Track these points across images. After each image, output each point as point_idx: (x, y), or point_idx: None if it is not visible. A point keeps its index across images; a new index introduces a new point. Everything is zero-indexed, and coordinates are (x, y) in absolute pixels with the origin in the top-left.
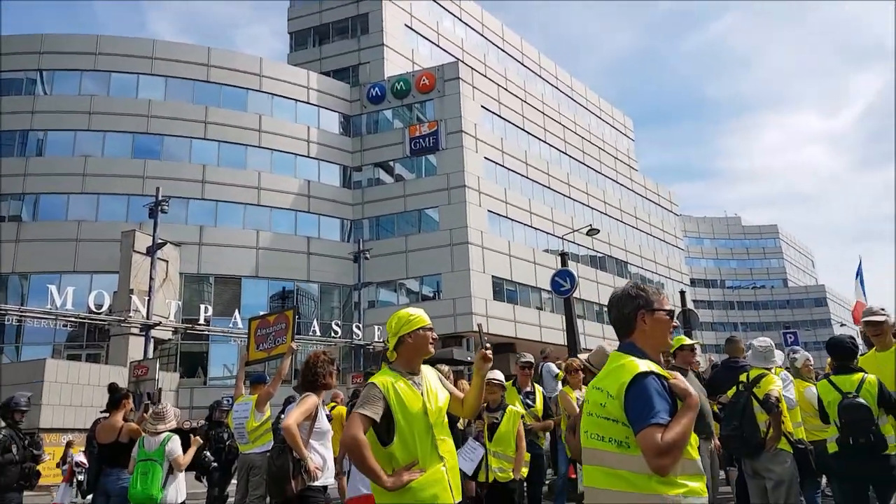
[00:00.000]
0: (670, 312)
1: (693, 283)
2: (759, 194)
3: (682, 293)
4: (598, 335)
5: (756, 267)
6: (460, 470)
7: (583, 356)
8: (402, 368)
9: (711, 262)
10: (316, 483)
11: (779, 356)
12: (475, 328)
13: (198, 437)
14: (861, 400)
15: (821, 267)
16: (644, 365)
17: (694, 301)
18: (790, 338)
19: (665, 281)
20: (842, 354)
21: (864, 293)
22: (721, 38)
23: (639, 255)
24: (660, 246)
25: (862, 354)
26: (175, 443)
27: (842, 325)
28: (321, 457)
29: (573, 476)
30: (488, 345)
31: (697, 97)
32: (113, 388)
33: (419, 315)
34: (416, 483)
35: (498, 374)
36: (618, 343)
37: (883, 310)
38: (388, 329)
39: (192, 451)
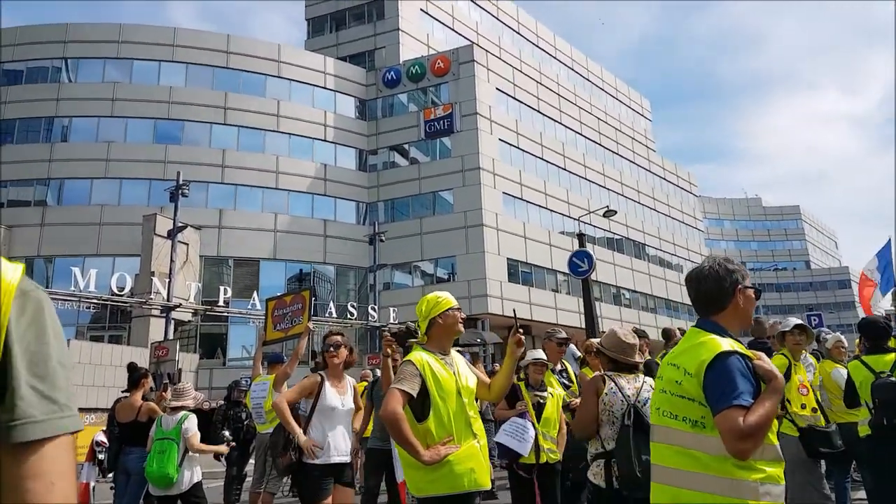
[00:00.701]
0: (758, 291)
1: None
2: (776, 174)
3: None
4: (615, 318)
5: (777, 249)
6: (510, 450)
7: (595, 340)
8: (435, 349)
9: (732, 243)
10: (315, 461)
11: None
12: (510, 313)
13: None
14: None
15: (844, 249)
16: (726, 343)
17: None
18: (814, 320)
19: (684, 263)
20: (875, 335)
21: (893, 277)
22: (734, 19)
23: (657, 237)
24: (679, 227)
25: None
26: (191, 421)
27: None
28: (323, 434)
29: None
30: (521, 329)
31: (713, 78)
32: (132, 368)
33: (446, 297)
34: (453, 457)
35: (540, 354)
36: (631, 326)
37: None
38: (417, 313)
39: (207, 447)
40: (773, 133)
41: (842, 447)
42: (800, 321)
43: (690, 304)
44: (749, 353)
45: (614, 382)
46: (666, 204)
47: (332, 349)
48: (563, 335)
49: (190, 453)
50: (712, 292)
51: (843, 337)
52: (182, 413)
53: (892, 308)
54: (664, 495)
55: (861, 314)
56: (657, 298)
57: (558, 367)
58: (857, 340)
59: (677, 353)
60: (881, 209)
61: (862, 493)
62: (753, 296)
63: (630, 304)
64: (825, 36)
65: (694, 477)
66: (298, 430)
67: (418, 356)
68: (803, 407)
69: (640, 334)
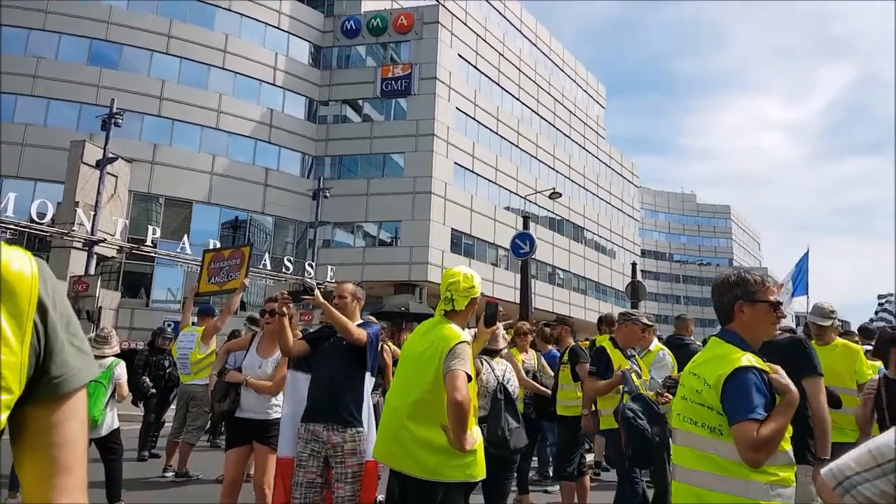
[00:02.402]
0: (774, 304)
1: (643, 253)
2: (714, 172)
3: (634, 265)
4: (548, 296)
5: (705, 244)
6: None
7: (526, 324)
8: (462, 327)
9: (663, 235)
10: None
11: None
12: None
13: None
14: None
15: (765, 250)
16: (745, 359)
17: (642, 271)
18: None
19: (618, 250)
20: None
21: (806, 285)
22: (699, 13)
23: (595, 223)
24: (617, 215)
25: None
26: (122, 368)
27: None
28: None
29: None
30: (500, 324)
31: (668, 71)
32: None
33: (479, 283)
34: (478, 444)
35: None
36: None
37: (833, 312)
38: (455, 284)
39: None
40: (718, 132)
41: None
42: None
43: (619, 288)
44: (766, 367)
45: (488, 364)
46: (608, 191)
47: (267, 315)
48: (646, 320)
49: (113, 399)
50: (716, 305)
51: None
52: (112, 359)
53: (803, 312)
54: (687, 494)
55: None
56: (589, 281)
57: (629, 351)
58: None
59: (699, 363)
60: (804, 217)
61: None
62: (767, 309)
63: (563, 285)
64: (782, 43)
65: (711, 478)
66: (240, 376)
67: (468, 336)
68: None
69: (564, 322)
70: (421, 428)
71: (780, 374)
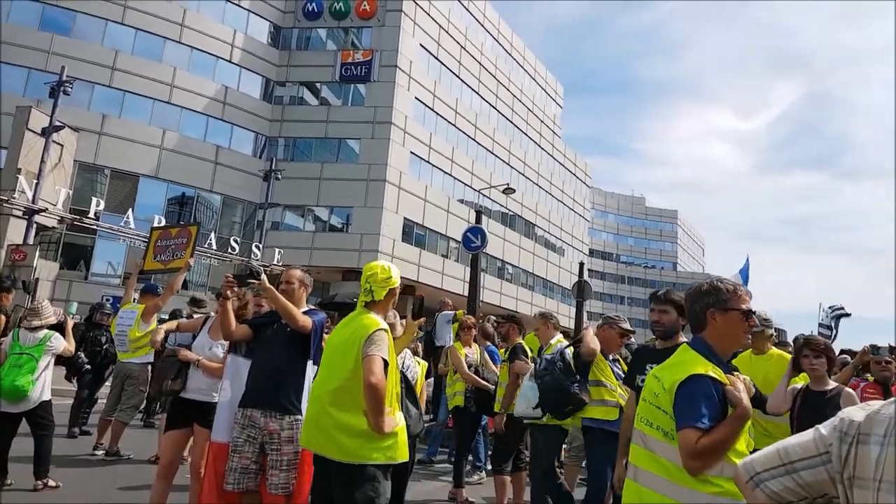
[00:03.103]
0: (746, 313)
1: (591, 253)
2: (664, 179)
3: (581, 264)
4: (496, 290)
5: (651, 247)
6: None
7: (471, 318)
8: (382, 315)
9: (611, 235)
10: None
11: None
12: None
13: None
14: None
15: (709, 256)
16: (703, 367)
17: (590, 270)
18: None
19: (567, 248)
20: None
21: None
22: (661, 20)
23: (547, 220)
24: (568, 214)
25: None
26: (58, 339)
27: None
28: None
29: (451, 426)
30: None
31: (627, 76)
32: None
33: (398, 275)
34: (400, 428)
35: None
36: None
37: (767, 320)
38: (374, 276)
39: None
40: (672, 139)
41: None
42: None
43: (566, 286)
44: (724, 378)
45: None
46: (560, 190)
47: (220, 299)
48: (627, 325)
49: (46, 371)
50: (689, 313)
51: None
52: (45, 332)
53: None
54: (633, 493)
55: None
56: (537, 277)
57: (611, 356)
58: None
59: (664, 367)
60: (748, 226)
61: None
62: (739, 317)
63: (511, 280)
64: (737, 55)
65: (657, 480)
66: (193, 355)
67: (385, 324)
68: None
69: (513, 319)
70: (342, 413)
71: (736, 388)
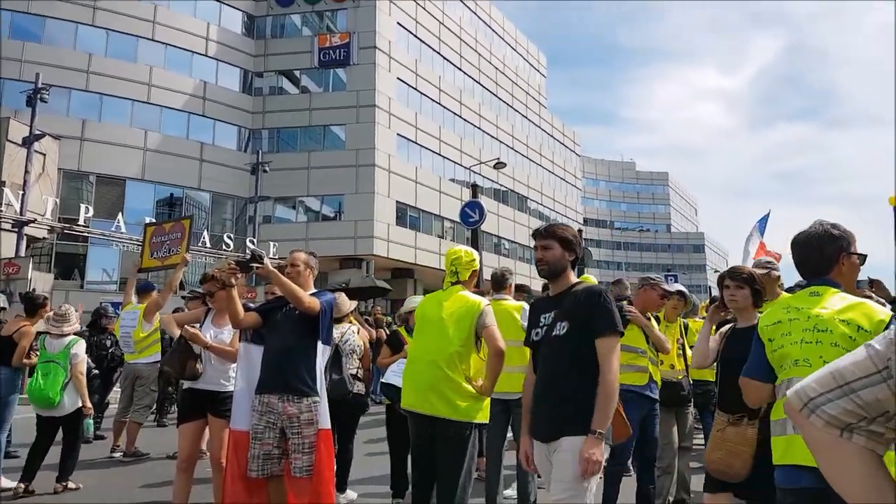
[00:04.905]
0: (863, 257)
1: (586, 221)
2: (653, 143)
3: (580, 232)
4: (494, 266)
5: (644, 211)
6: (398, 389)
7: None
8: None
9: (604, 203)
10: (195, 385)
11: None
12: (396, 255)
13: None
14: None
15: (702, 216)
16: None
17: (586, 239)
18: (671, 280)
19: (561, 219)
20: None
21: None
22: None
23: (539, 192)
24: (559, 184)
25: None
26: (81, 346)
27: (715, 270)
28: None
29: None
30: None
31: (607, 42)
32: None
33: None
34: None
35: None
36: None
37: (770, 262)
38: (458, 259)
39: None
40: (658, 103)
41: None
42: (682, 288)
43: None
44: None
45: None
46: (550, 160)
47: (225, 287)
48: (668, 286)
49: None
50: (814, 256)
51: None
52: (70, 337)
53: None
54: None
55: (710, 277)
56: (533, 250)
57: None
58: (705, 302)
59: (840, 310)
60: (739, 184)
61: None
62: (858, 262)
63: (508, 254)
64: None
65: None
66: (203, 338)
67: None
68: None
69: (522, 288)
70: (458, 377)
71: None
